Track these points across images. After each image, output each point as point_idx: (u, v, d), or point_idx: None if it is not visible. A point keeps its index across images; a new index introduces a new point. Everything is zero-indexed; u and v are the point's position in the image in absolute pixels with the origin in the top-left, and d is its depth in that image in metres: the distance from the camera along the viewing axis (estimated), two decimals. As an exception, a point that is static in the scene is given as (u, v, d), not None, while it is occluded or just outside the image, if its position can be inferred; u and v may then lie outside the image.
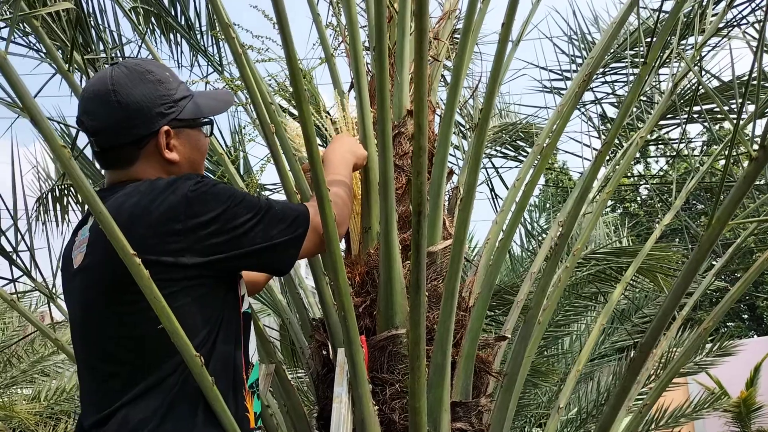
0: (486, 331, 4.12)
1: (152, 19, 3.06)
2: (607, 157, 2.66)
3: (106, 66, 1.39)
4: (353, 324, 1.47)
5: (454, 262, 1.58)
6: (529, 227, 4.73)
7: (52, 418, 6.84)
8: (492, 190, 3.29)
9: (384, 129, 1.53)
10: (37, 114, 1.02)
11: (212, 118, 1.48)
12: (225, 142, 3.40)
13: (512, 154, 3.66)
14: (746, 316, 19.39)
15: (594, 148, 2.82)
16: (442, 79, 2.42)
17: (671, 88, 2.08)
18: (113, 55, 2.40)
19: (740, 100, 1.93)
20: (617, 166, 2.35)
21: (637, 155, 3.13)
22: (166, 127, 1.36)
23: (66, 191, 3.72)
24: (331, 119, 2.59)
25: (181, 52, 3.24)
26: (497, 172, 3.29)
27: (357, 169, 1.75)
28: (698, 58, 2.13)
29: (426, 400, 1.37)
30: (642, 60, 1.48)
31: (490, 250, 1.96)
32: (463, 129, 3.29)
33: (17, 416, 6.38)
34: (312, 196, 1.47)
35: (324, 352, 1.80)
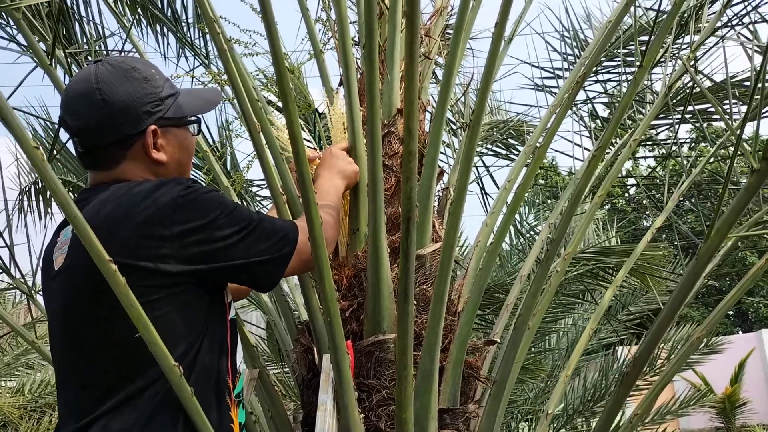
0: (475, 332, 4.10)
1: (138, 10, 2.99)
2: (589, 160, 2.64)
3: (89, 63, 1.34)
4: (339, 330, 1.43)
5: (443, 267, 1.54)
6: (518, 225, 4.71)
7: (36, 411, 6.77)
8: (482, 189, 3.26)
9: (373, 130, 1.49)
10: (7, 114, 0.97)
11: (199, 116, 1.44)
12: (212, 138, 3.35)
13: (503, 152, 3.62)
14: (731, 313, 19.57)
15: (585, 148, 2.79)
16: (433, 77, 2.37)
17: (665, 90, 2.05)
18: (97, 48, 2.33)
19: (742, 108, 1.91)
20: (610, 168, 2.32)
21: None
22: (153, 127, 1.31)
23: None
24: (319, 115, 2.54)
25: (168, 44, 3.18)
26: (488, 171, 3.25)
27: (349, 188, 1.71)
28: (694, 59, 2.11)
29: (413, 410, 1.34)
30: (638, 61, 1.44)
31: (480, 253, 1.92)
32: (453, 127, 3.25)
33: (0, 410, 6.31)
34: (301, 214, 1.44)
35: (309, 357, 1.76)
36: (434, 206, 1.95)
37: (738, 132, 1.01)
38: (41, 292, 1.43)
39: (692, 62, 2.09)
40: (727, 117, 2.48)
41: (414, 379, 1.57)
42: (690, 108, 2.65)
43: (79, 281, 1.21)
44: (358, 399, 1.61)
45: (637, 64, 1.37)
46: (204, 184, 2.97)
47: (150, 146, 1.31)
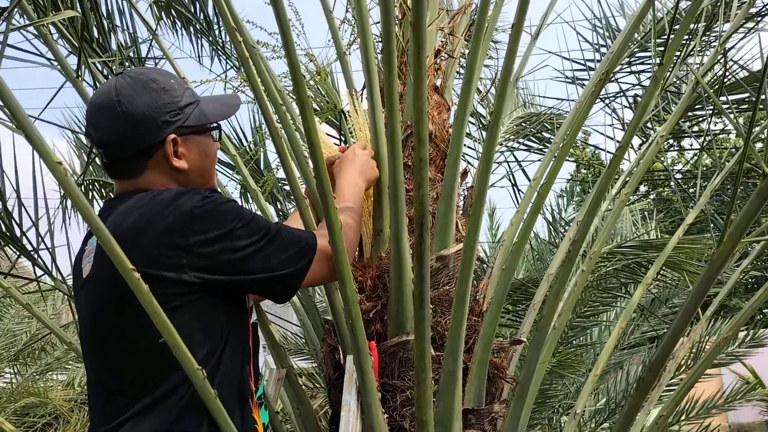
0: (504, 329, 4.07)
1: (173, 12, 3.05)
2: (631, 151, 2.59)
3: (110, 77, 1.38)
4: (361, 332, 1.45)
5: (464, 268, 1.54)
6: (555, 219, 4.65)
7: (86, 404, 6.99)
8: (514, 184, 3.23)
9: (393, 133, 1.50)
10: (31, 132, 1.01)
11: (219, 122, 1.47)
12: (246, 139, 3.40)
13: (537, 146, 3.58)
14: (783, 303, 18.89)
15: (617, 141, 2.75)
16: (458, 75, 2.36)
17: (693, 85, 2.01)
18: (130, 55, 2.39)
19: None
20: (641, 161, 2.28)
21: (671, 141, 3.02)
22: (173, 135, 1.35)
23: (91, 186, 3.76)
24: (347, 115, 2.56)
25: (202, 45, 3.24)
26: (520, 166, 3.22)
27: (368, 189, 1.72)
28: (723, 51, 2.05)
29: (432, 413, 1.35)
30: (659, 58, 1.42)
31: (506, 252, 1.91)
32: (483, 122, 3.23)
33: (51, 402, 6.53)
34: (321, 222, 1.45)
35: (335, 357, 1.79)
36: (458, 206, 1.95)
37: (746, 134, 0.99)
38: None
39: (721, 54, 2.04)
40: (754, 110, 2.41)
41: (437, 380, 1.59)
42: (725, 99, 2.58)
43: (105, 291, 1.25)
44: (383, 399, 1.63)
45: (658, 61, 1.34)
46: (236, 184, 3.02)
47: (171, 155, 1.35)
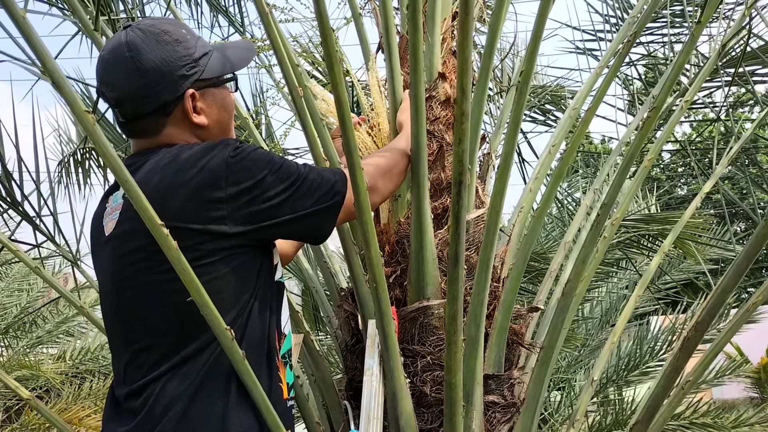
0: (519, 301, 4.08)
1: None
2: (641, 122, 2.57)
3: (120, 30, 1.32)
4: (385, 296, 1.42)
5: (489, 233, 1.52)
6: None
7: (77, 377, 6.96)
8: (519, 154, 3.21)
9: (417, 93, 1.46)
10: (58, 77, 0.97)
11: (235, 73, 1.42)
12: (246, 105, 3.34)
13: (541, 118, 3.55)
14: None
15: (628, 112, 2.72)
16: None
17: (719, 50, 1.98)
18: (134, 15, 2.32)
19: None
20: (659, 131, 2.26)
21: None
22: (191, 91, 1.31)
23: (88, 154, 3.70)
24: (357, 80, 2.51)
25: (201, 12, 3.16)
26: (525, 137, 3.20)
27: None
28: (749, 16, 2.02)
29: (462, 376, 1.33)
30: (692, 21, 1.38)
31: (524, 218, 1.89)
32: (490, 92, 3.19)
33: (43, 375, 6.50)
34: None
35: (353, 323, 1.77)
36: (476, 172, 1.92)
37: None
38: (90, 259, 1.44)
39: (747, 19, 2.01)
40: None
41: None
42: (743, 70, 2.55)
43: (134, 245, 1.22)
44: (403, 364, 1.60)
45: (695, 20, 1.31)
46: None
47: (190, 111, 1.31)
